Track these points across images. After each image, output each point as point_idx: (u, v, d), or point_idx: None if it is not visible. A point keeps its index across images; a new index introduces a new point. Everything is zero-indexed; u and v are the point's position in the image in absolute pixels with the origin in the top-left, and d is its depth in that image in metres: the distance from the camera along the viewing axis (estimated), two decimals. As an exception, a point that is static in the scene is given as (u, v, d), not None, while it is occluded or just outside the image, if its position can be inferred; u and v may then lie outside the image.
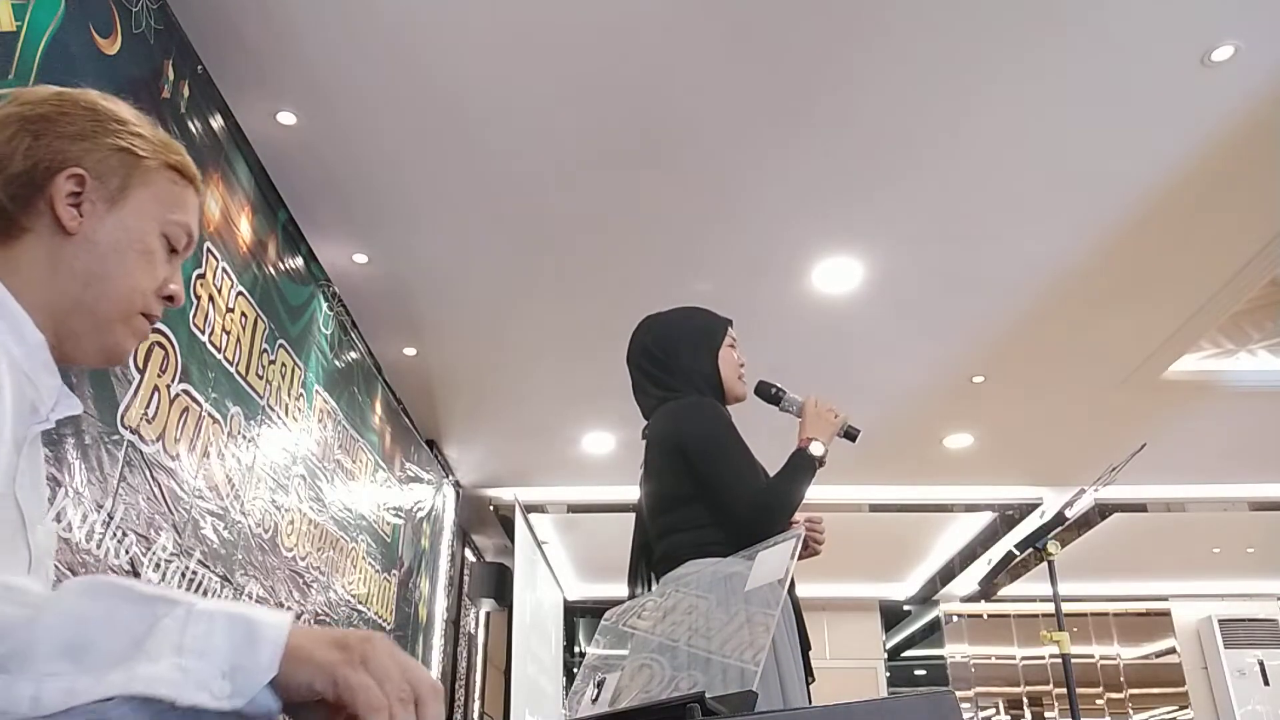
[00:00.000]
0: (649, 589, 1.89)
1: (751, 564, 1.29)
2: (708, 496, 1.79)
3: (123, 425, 2.43)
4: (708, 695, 0.86)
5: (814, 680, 1.79)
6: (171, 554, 2.64)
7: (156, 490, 2.58)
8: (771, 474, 1.86)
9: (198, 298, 2.90)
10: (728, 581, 1.43)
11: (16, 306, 0.82)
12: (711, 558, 1.71)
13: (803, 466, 1.82)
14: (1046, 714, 8.81)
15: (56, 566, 2.11)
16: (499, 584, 6.53)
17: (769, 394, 2.01)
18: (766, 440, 1.98)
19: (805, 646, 1.77)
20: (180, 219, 0.91)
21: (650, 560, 1.91)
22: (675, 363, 1.96)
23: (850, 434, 1.95)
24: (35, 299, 0.84)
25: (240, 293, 3.22)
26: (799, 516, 1.89)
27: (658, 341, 2.00)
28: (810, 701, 1.74)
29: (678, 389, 1.93)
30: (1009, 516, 7.10)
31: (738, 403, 2.01)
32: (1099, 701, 8.74)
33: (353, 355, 4.48)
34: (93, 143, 0.87)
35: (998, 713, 8.93)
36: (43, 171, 0.84)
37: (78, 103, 0.89)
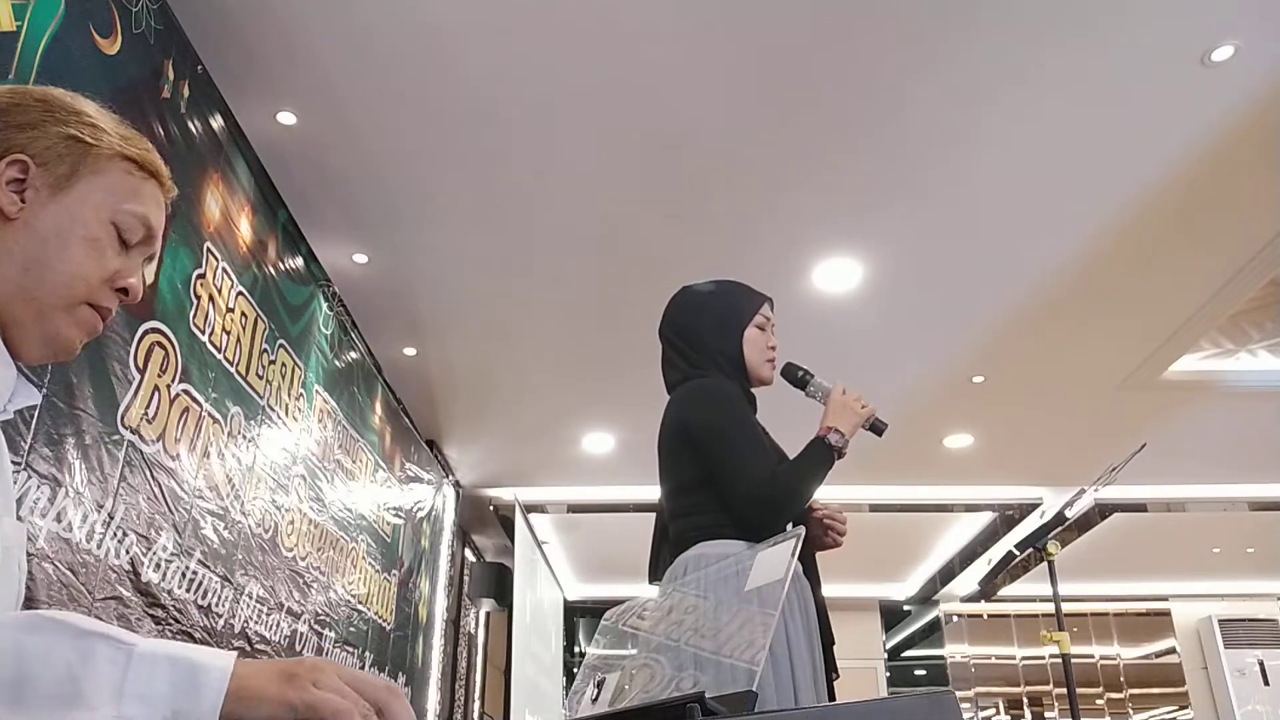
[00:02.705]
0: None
1: (753, 564, 1.29)
2: (715, 483, 1.74)
3: (123, 425, 2.43)
4: (708, 695, 0.86)
5: (838, 676, 1.75)
6: (171, 554, 2.64)
7: (157, 490, 2.58)
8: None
9: (198, 298, 2.90)
10: (729, 581, 1.42)
11: None
12: (723, 539, 1.68)
13: (817, 457, 1.74)
14: (1046, 714, 8.81)
15: (58, 567, 2.11)
16: (499, 584, 6.54)
17: (795, 377, 1.92)
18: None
19: (829, 641, 1.74)
20: (134, 209, 0.87)
21: (668, 543, 1.87)
22: (699, 340, 1.89)
23: (877, 428, 1.85)
24: None
25: (240, 293, 3.22)
26: (817, 508, 1.83)
27: (685, 315, 1.94)
28: (832, 697, 1.72)
29: (702, 367, 1.87)
30: (1009, 516, 7.10)
31: (762, 386, 1.93)
32: (1099, 701, 8.74)
33: (353, 355, 4.47)
34: (41, 130, 0.84)
35: (998, 713, 8.93)
36: None
37: (31, 94, 0.87)
